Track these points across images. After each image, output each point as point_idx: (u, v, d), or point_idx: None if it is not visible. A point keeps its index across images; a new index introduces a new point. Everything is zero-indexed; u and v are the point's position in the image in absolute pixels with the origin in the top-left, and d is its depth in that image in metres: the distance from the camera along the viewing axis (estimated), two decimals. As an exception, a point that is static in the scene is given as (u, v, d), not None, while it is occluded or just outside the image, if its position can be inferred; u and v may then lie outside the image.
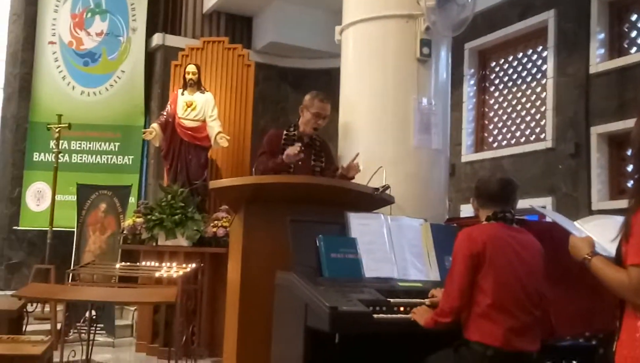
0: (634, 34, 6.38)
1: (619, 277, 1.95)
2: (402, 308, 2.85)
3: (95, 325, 5.52)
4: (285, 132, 4.39)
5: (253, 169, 4.48)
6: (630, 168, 6.09)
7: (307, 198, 3.46)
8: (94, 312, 5.27)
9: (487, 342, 2.62)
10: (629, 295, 1.93)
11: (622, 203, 5.78)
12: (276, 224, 3.19)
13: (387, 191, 3.73)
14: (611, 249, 2.05)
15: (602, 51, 6.45)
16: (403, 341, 2.89)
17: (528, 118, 7.33)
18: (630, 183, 6.04)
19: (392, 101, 4.33)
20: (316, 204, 3.43)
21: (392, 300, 2.87)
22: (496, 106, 7.80)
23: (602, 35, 6.47)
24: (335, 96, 4.74)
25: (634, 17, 6.38)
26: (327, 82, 8.26)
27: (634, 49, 6.31)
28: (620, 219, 2.15)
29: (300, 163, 4.22)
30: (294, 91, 8.95)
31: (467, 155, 7.83)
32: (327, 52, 8.15)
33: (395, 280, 3.15)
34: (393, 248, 3.29)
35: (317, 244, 3.06)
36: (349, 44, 4.60)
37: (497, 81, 7.85)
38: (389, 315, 2.78)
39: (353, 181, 4.00)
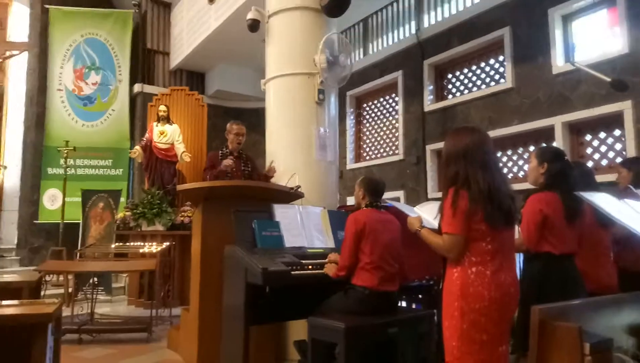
0: (450, 86, 6.69)
1: (438, 241, 1.97)
2: (310, 266, 2.84)
3: (97, 288, 5.20)
4: (220, 151, 4.40)
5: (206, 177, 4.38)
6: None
7: (246, 195, 3.38)
8: (96, 279, 4.95)
9: (365, 285, 2.66)
10: (444, 252, 1.97)
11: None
12: (225, 214, 3.09)
13: (299, 190, 3.72)
14: (435, 223, 2.11)
15: (431, 97, 6.72)
16: (312, 288, 2.89)
17: (387, 140, 7.53)
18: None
19: (300, 130, 4.31)
20: (252, 199, 3.36)
21: (304, 261, 2.85)
22: (368, 133, 7.97)
23: (431, 87, 6.74)
24: (263, 127, 4.68)
25: (450, 76, 6.69)
26: (257, 117, 8.16)
27: (450, 96, 6.62)
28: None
29: (234, 169, 4.22)
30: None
31: (350, 165, 7.95)
32: (256, 97, 8.05)
33: (305, 248, 3.13)
34: (303, 227, 3.27)
35: (253, 226, 3.00)
36: (271, 91, 4.54)
37: (367, 117, 8.02)
38: (302, 272, 2.77)
39: (276, 182, 3.97)
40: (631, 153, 4.39)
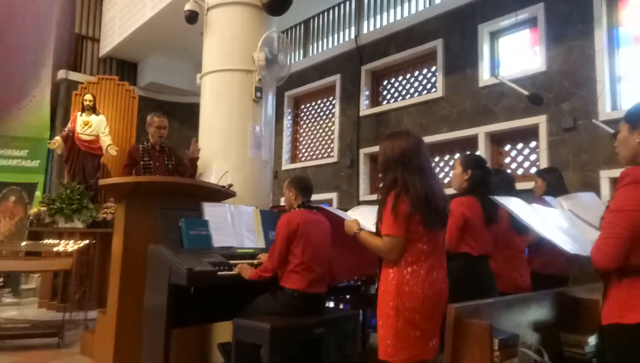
0: (385, 92, 6.85)
1: (378, 243, 1.99)
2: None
3: (3, 289, 4.75)
4: (141, 146, 4.13)
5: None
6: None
7: (173, 192, 3.23)
8: (1, 280, 4.51)
9: (294, 288, 2.64)
10: (385, 254, 1.99)
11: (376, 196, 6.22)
12: (150, 211, 2.94)
13: (231, 188, 3.63)
14: (370, 226, 2.13)
15: (367, 102, 6.85)
16: (239, 290, 2.82)
17: (323, 142, 7.58)
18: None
19: (235, 127, 4.22)
20: (180, 196, 3.22)
21: (232, 261, 2.79)
22: (304, 134, 7.98)
23: (367, 92, 6.87)
24: (197, 123, 4.53)
25: (385, 82, 6.86)
26: (191, 113, 7.90)
27: (385, 101, 6.79)
28: (373, 207, 2.25)
29: (157, 164, 3.99)
30: (168, 119, 8.40)
31: (286, 165, 7.92)
32: (192, 91, 7.80)
33: (235, 248, 3.07)
34: (234, 226, 3.20)
35: (180, 224, 2.88)
36: (207, 86, 4.42)
37: (305, 118, 8.03)
38: (230, 272, 2.70)
39: (207, 180, 3.84)
40: (544, 163, 4.75)
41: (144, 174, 3.85)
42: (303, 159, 7.87)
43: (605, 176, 4.34)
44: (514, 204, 2.10)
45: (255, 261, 2.86)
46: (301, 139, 8.02)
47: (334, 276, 2.94)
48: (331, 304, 3.47)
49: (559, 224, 1.98)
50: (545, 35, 4.96)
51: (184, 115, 8.46)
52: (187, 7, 4.39)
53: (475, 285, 2.44)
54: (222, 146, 4.22)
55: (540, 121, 4.88)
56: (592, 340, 2.02)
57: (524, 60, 5.28)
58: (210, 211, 3.14)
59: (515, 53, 5.41)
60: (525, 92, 4.45)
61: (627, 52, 4.54)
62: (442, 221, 2.02)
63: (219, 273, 2.61)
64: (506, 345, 1.52)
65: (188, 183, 3.47)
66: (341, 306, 3.52)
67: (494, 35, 5.57)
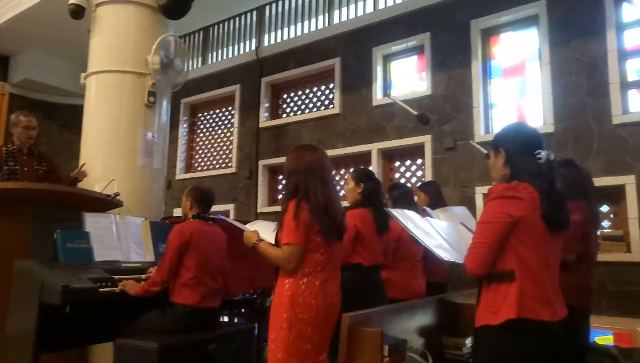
0: (284, 105, 6.91)
1: (277, 253, 1.98)
2: (124, 283, 2.56)
3: None
4: (5, 148, 3.52)
5: None
6: (281, 186, 6.59)
7: (49, 200, 2.88)
8: None
9: (186, 303, 2.51)
10: (282, 264, 1.97)
11: (275, 208, 6.22)
12: (18, 222, 2.60)
13: (118, 197, 3.36)
14: (269, 239, 2.11)
15: (267, 114, 6.84)
16: (124, 307, 2.60)
17: (221, 152, 7.39)
18: (281, 196, 6.52)
19: (125, 132, 3.95)
20: (56, 206, 2.88)
21: (116, 276, 2.56)
22: (201, 143, 7.71)
23: (267, 104, 6.86)
24: (81, 126, 4.14)
25: (285, 95, 6.91)
26: (74, 115, 7.14)
27: (284, 114, 6.84)
28: (272, 223, 2.24)
29: (25, 169, 3.45)
30: (45, 120, 7.50)
31: (180, 174, 7.57)
32: (76, 93, 7.09)
33: (120, 262, 2.84)
34: (119, 239, 2.96)
35: (55, 237, 2.59)
36: (92, 87, 4.08)
37: (202, 127, 7.77)
38: (113, 288, 2.48)
39: (90, 188, 3.51)
40: (429, 179, 5.14)
41: (8, 181, 3.33)
42: (199, 169, 7.60)
43: (480, 191, 4.82)
44: (403, 216, 2.23)
45: (143, 276, 2.67)
46: (197, 148, 7.74)
47: (229, 290, 2.85)
48: (225, 318, 3.36)
49: (448, 235, 2.13)
50: (431, 62, 5.42)
51: (66, 117, 7.71)
52: (72, 0, 4.03)
53: (367, 295, 2.53)
54: (109, 152, 3.91)
55: (426, 140, 5.29)
56: (468, 341, 2.21)
57: (412, 83, 5.71)
58: (93, 222, 2.88)
59: (405, 76, 5.82)
60: (415, 112, 4.79)
61: (497, 82, 5.14)
62: (339, 233, 2.07)
63: (101, 289, 2.38)
64: (395, 351, 1.59)
65: (66, 190, 3.13)
66: (235, 320, 3.42)
67: (387, 59, 5.94)
